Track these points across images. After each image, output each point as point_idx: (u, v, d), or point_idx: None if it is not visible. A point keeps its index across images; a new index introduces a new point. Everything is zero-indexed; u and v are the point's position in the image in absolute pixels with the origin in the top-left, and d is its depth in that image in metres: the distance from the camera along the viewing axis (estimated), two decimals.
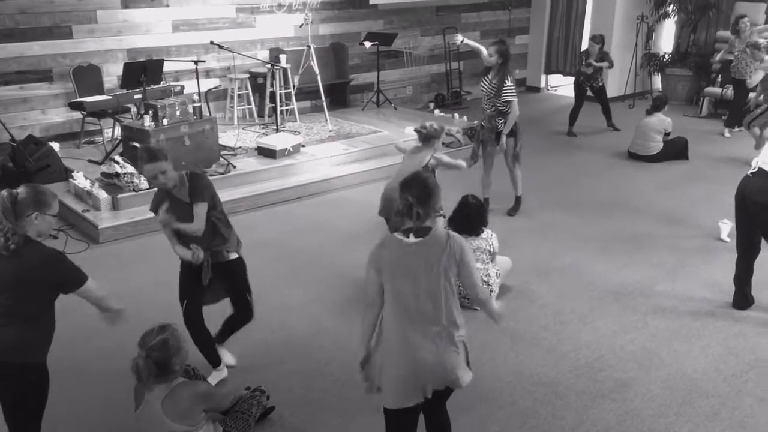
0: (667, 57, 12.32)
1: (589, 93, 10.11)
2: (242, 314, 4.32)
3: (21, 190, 3.04)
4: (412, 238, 2.98)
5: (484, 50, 6.74)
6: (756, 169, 4.76)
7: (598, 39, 9.93)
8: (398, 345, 2.98)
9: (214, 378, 4.17)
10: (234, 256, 4.19)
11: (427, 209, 3.00)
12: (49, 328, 3.19)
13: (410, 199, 2.97)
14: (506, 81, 6.42)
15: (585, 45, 12.52)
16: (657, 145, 8.78)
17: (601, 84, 10.07)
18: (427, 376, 2.99)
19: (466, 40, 6.88)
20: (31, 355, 3.12)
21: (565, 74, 13.26)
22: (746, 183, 4.85)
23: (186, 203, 3.94)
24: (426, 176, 3.17)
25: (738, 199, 4.93)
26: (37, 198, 3.03)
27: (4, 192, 3.01)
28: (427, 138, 5.40)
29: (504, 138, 6.59)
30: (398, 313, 2.97)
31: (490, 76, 6.53)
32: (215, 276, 4.11)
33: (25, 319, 3.05)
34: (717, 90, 11.05)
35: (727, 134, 9.97)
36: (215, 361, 4.25)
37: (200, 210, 3.90)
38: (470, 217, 5.14)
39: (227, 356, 4.42)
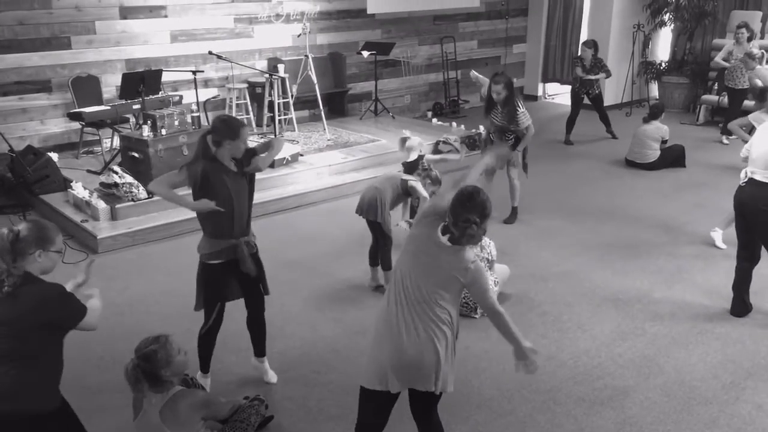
0: (663, 65, 12.37)
1: (586, 101, 10.14)
2: (257, 303, 4.25)
3: (23, 227, 2.87)
4: (445, 239, 3.03)
5: (486, 83, 6.89)
6: (747, 179, 4.85)
7: (590, 44, 9.93)
8: (388, 327, 3.03)
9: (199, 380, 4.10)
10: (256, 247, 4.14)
11: (485, 227, 3.04)
12: (54, 370, 2.97)
13: (474, 218, 2.96)
14: (518, 108, 6.56)
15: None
16: (654, 153, 8.81)
17: (597, 92, 10.09)
18: (400, 370, 3.01)
19: (475, 72, 7.23)
20: (35, 401, 2.88)
21: (562, 83, 13.31)
22: (740, 193, 4.94)
23: (233, 172, 3.86)
24: (485, 197, 3.08)
25: (736, 209, 5.03)
26: (39, 234, 2.86)
27: (5, 230, 2.86)
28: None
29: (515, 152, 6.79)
30: (397, 295, 3.03)
31: (499, 109, 6.64)
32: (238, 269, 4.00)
33: (24, 362, 2.83)
34: (714, 98, 11.09)
35: (725, 141, 10.00)
36: (207, 367, 4.24)
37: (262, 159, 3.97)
38: None
39: (270, 374, 4.38)
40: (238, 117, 9.42)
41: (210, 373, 4.27)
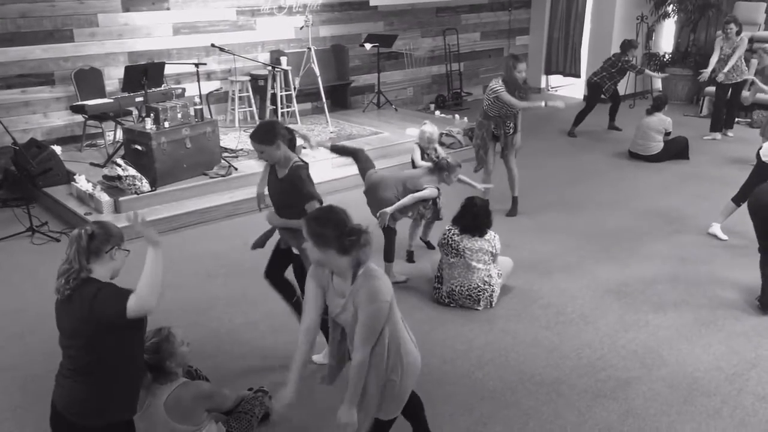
0: (667, 57, 12.32)
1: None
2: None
3: (94, 226, 2.82)
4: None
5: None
6: None
7: (636, 44, 9.95)
8: (413, 358, 3.02)
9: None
10: None
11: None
12: (128, 381, 2.87)
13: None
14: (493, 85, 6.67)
15: (585, 46, 12.57)
16: (657, 145, 8.79)
17: (614, 89, 10.13)
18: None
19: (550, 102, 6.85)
20: (105, 414, 2.82)
21: (565, 75, 13.27)
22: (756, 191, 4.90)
23: (279, 180, 4.11)
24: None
25: (750, 208, 4.98)
26: (111, 232, 2.84)
27: (77, 230, 2.79)
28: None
29: (517, 136, 6.88)
30: (404, 327, 3.02)
31: (517, 90, 6.70)
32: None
33: (90, 371, 2.76)
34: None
35: (730, 134, 9.97)
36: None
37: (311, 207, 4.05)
38: (478, 217, 5.16)
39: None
40: (241, 109, 9.44)
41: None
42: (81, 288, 2.71)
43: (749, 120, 10.57)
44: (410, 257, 5.99)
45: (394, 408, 3.06)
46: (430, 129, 6.39)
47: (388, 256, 5.49)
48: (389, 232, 5.46)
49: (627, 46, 9.80)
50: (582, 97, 12.62)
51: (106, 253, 2.81)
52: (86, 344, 2.72)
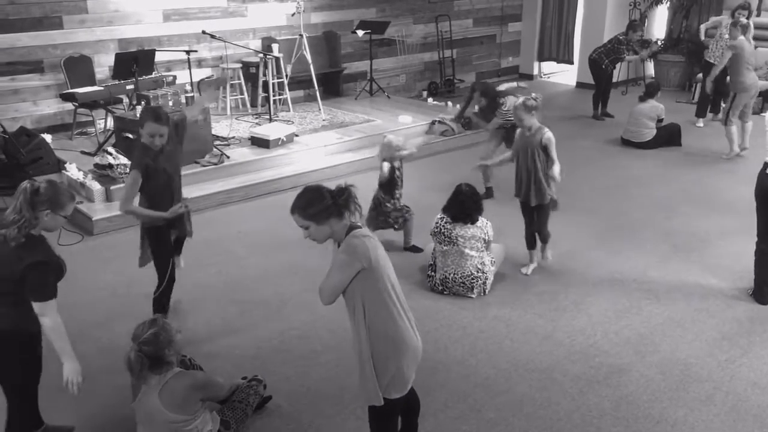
0: (659, 43, 12.32)
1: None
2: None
3: (43, 185, 3.14)
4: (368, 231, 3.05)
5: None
6: None
7: (640, 27, 10.04)
8: (402, 336, 3.01)
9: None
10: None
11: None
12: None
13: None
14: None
15: (578, 33, 12.54)
16: (650, 132, 8.80)
17: (612, 69, 10.12)
18: (418, 360, 3.14)
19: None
20: (20, 326, 3.22)
21: (558, 61, 13.26)
22: (763, 178, 4.81)
23: (171, 150, 4.35)
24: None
25: (758, 195, 4.90)
26: (54, 197, 3.12)
27: (27, 183, 3.14)
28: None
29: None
30: (393, 305, 2.99)
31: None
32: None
33: (15, 303, 3.15)
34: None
35: (699, 124, 9.93)
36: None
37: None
38: (464, 205, 5.15)
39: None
40: (233, 97, 9.39)
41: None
42: (27, 241, 3.10)
43: None
44: (415, 249, 5.97)
45: (393, 389, 3.08)
46: (395, 138, 6.02)
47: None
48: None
49: (628, 26, 9.99)
50: (575, 83, 12.63)
51: (41, 212, 3.10)
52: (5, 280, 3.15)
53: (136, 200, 4.37)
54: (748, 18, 8.88)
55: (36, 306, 3.12)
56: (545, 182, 5.34)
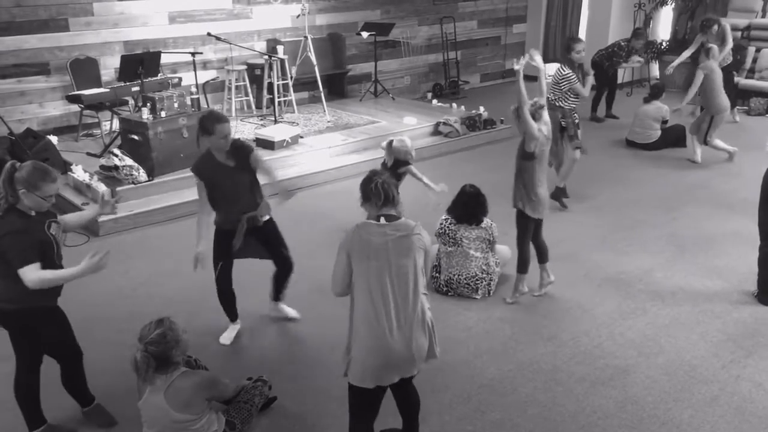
0: (664, 44, 12.30)
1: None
2: (284, 267, 4.66)
3: (24, 165, 3.28)
4: (383, 221, 3.10)
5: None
6: None
7: (643, 35, 9.98)
8: (369, 331, 3.04)
9: (229, 331, 4.65)
10: (267, 218, 4.54)
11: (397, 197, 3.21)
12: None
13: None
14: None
15: (582, 34, 12.52)
16: (655, 133, 8.79)
17: (614, 71, 10.11)
18: (396, 366, 3.10)
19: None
20: (23, 302, 3.32)
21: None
22: None
23: (230, 167, 4.25)
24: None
25: (763, 191, 4.90)
26: (30, 177, 3.24)
27: (9, 163, 3.30)
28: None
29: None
30: (369, 296, 3.03)
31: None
32: (254, 238, 4.47)
33: (5, 276, 3.26)
34: None
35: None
36: (233, 316, 4.68)
37: (265, 165, 4.45)
38: (467, 206, 5.15)
39: (290, 311, 4.87)
40: (238, 99, 9.41)
41: (289, 314, 4.87)
42: (6, 215, 3.24)
43: (747, 108, 10.56)
44: None
45: (351, 374, 3.14)
46: (402, 144, 5.79)
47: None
48: None
49: (632, 33, 9.99)
50: None
51: (19, 190, 3.22)
52: None
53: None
54: (718, 26, 8.91)
55: (19, 274, 3.18)
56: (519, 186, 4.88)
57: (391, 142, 5.83)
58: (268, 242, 4.57)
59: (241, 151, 4.29)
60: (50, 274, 3.25)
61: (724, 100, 7.98)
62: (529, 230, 4.91)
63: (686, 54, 9.68)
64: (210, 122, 4.11)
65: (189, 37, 9.12)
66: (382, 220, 3.11)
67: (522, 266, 5.00)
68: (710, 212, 6.62)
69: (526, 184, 4.76)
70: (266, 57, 9.07)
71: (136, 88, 7.70)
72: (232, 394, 3.60)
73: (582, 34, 12.56)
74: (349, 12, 10.70)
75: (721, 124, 8.14)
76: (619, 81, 11.86)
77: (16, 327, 3.44)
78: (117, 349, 4.44)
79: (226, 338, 4.63)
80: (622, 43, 9.90)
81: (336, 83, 10.73)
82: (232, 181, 4.26)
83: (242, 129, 8.70)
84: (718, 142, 8.22)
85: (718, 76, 7.94)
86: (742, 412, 3.88)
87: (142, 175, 6.87)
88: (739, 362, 4.34)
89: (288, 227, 6.46)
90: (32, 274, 3.18)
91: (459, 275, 5.14)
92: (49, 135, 7.77)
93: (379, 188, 3.13)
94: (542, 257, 5.11)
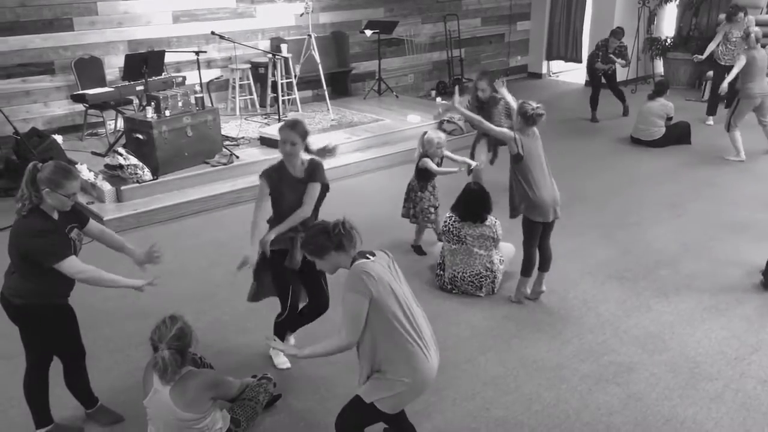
0: (669, 41, 12.27)
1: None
2: (319, 304, 4.30)
3: (47, 165, 3.31)
4: (373, 258, 3.07)
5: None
6: None
7: (620, 35, 9.85)
8: (417, 362, 3.02)
9: (276, 353, 4.36)
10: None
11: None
12: (50, 284, 3.36)
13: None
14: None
15: (586, 32, 12.51)
16: (659, 130, 8.77)
17: (614, 69, 10.06)
18: (424, 389, 3.14)
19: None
20: (34, 298, 3.36)
21: (567, 60, 13.23)
22: None
23: (298, 179, 4.12)
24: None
25: None
26: (52, 176, 3.25)
27: (31, 164, 3.34)
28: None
29: None
30: (402, 328, 3.00)
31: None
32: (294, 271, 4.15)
33: (22, 273, 3.32)
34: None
35: (710, 122, 9.88)
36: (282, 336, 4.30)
37: (313, 190, 4.16)
38: (471, 204, 5.15)
39: (291, 341, 4.50)
40: (242, 97, 9.42)
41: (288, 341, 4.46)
42: (29, 215, 3.26)
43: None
44: (419, 251, 5.95)
45: (384, 403, 3.08)
46: (436, 135, 5.77)
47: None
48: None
49: (610, 33, 9.90)
50: (583, 82, 12.61)
51: (42, 190, 3.24)
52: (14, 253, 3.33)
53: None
54: (745, 15, 8.96)
55: (59, 269, 3.22)
56: (518, 191, 4.82)
57: (425, 133, 5.85)
58: (310, 274, 4.16)
59: (316, 168, 4.19)
60: (96, 273, 3.35)
61: (755, 87, 7.96)
62: (534, 234, 4.88)
63: (712, 45, 9.69)
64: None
65: (193, 36, 9.13)
66: (370, 256, 3.07)
67: (526, 269, 5.00)
68: (715, 209, 6.60)
69: (524, 187, 4.72)
70: (270, 55, 9.08)
71: (140, 88, 7.72)
72: (237, 393, 3.61)
73: (586, 31, 12.56)
74: (352, 10, 10.70)
75: (746, 112, 8.10)
76: (624, 78, 11.87)
77: (28, 323, 3.46)
78: (120, 348, 4.46)
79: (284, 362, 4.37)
80: (599, 43, 9.90)
81: (340, 81, 10.74)
82: (296, 195, 4.10)
83: (246, 128, 8.71)
84: (738, 137, 8.16)
85: (760, 63, 7.93)
86: (747, 408, 3.87)
87: (147, 173, 6.89)
88: (744, 359, 4.33)
89: None
90: (76, 266, 3.26)
91: (463, 273, 5.14)
92: (54, 134, 7.79)
93: (348, 230, 3.09)
94: (543, 265, 5.04)
